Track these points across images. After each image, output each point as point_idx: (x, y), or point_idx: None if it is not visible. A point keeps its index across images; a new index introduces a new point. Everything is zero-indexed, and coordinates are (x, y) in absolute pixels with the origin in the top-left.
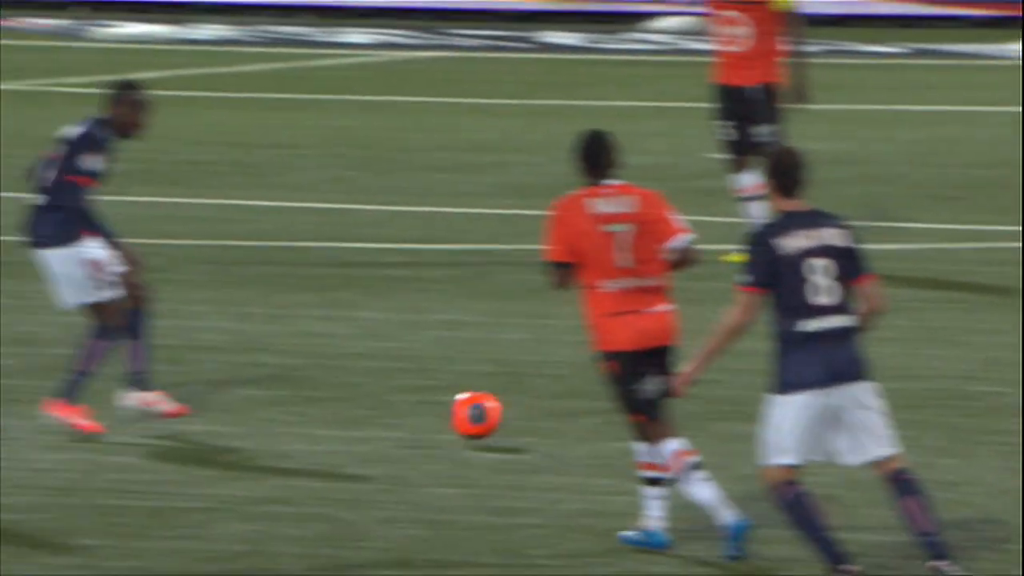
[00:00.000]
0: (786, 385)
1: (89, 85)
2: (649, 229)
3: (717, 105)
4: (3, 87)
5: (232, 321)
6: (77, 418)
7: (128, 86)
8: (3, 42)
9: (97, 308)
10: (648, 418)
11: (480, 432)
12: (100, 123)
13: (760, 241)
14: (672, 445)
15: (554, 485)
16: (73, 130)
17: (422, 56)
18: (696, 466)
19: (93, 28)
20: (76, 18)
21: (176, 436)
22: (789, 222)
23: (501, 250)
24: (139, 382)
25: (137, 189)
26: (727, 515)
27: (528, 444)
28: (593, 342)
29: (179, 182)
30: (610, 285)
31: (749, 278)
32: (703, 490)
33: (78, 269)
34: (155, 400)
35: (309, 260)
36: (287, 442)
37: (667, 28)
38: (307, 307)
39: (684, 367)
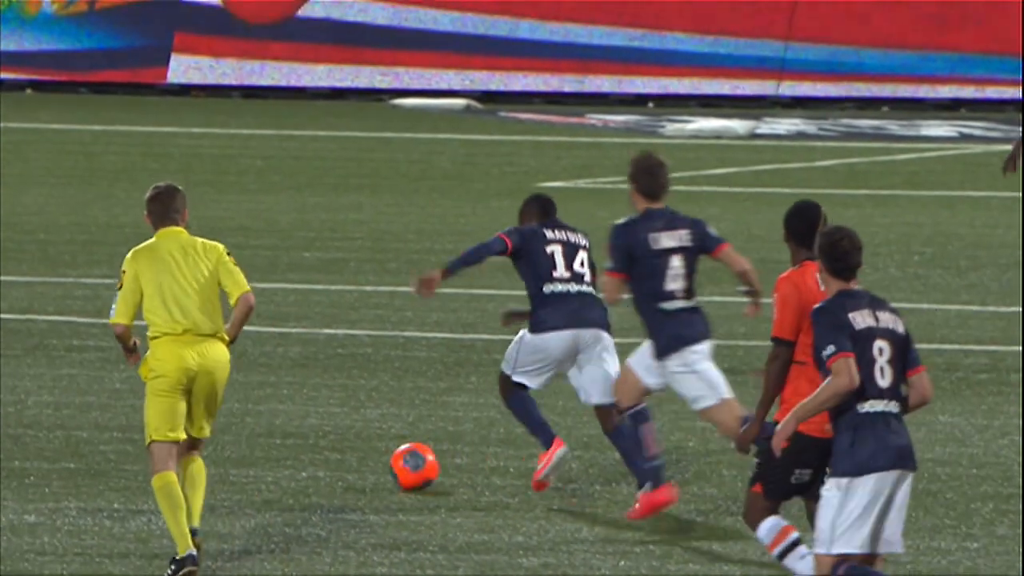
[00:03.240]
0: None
1: None
2: None
3: None
4: (576, 184)
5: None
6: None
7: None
8: (578, 139)
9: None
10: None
11: (418, 481)
12: None
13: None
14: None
15: None
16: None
17: (1004, 149)
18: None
19: (667, 124)
20: (650, 114)
21: (746, 541)
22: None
23: None
24: None
25: (708, 288)
26: None
27: None
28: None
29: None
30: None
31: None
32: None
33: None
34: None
35: None
36: None
37: None
38: None
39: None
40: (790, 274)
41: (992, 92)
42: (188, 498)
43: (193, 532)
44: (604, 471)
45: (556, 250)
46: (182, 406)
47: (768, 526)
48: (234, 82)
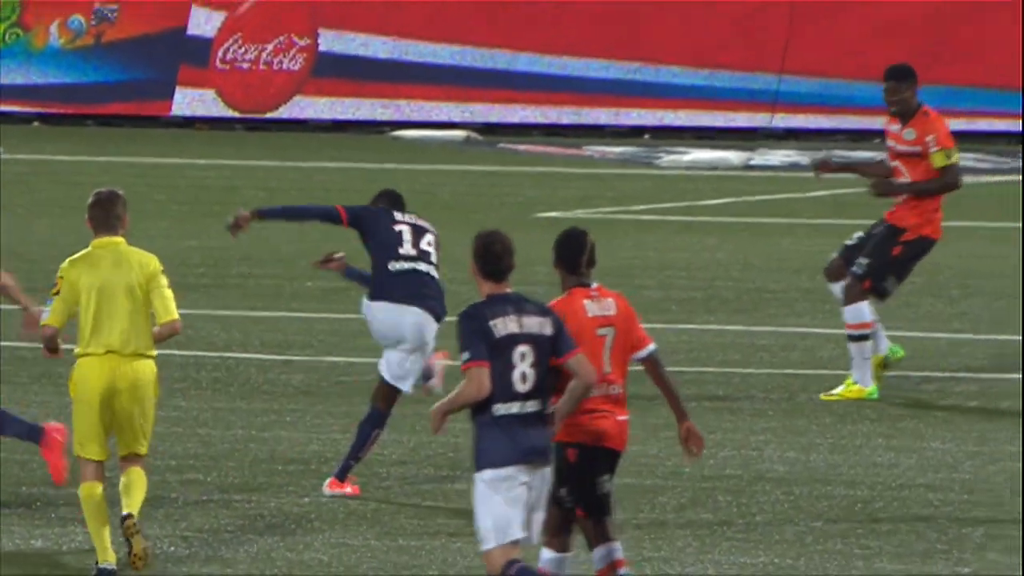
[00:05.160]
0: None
1: (655, 212)
2: (625, 334)
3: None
4: (575, 214)
5: (797, 451)
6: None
7: None
8: (576, 170)
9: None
10: (591, 515)
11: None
12: None
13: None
14: (606, 552)
15: None
16: None
17: (993, 180)
18: None
19: (663, 155)
20: (647, 146)
21: (741, 567)
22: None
23: None
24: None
25: (703, 316)
26: None
27: None
28: (562, 432)
29: (743, 310)
30: (594, 390)
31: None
32: None
33: None
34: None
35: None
36: None
37: None
38: (873, 437)
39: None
40: (558, 303)
41: (983, 124)
42: (128, 493)
43: (127, 516)
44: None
45: (404, 229)
46: (101, 427)
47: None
48: (237, 115)
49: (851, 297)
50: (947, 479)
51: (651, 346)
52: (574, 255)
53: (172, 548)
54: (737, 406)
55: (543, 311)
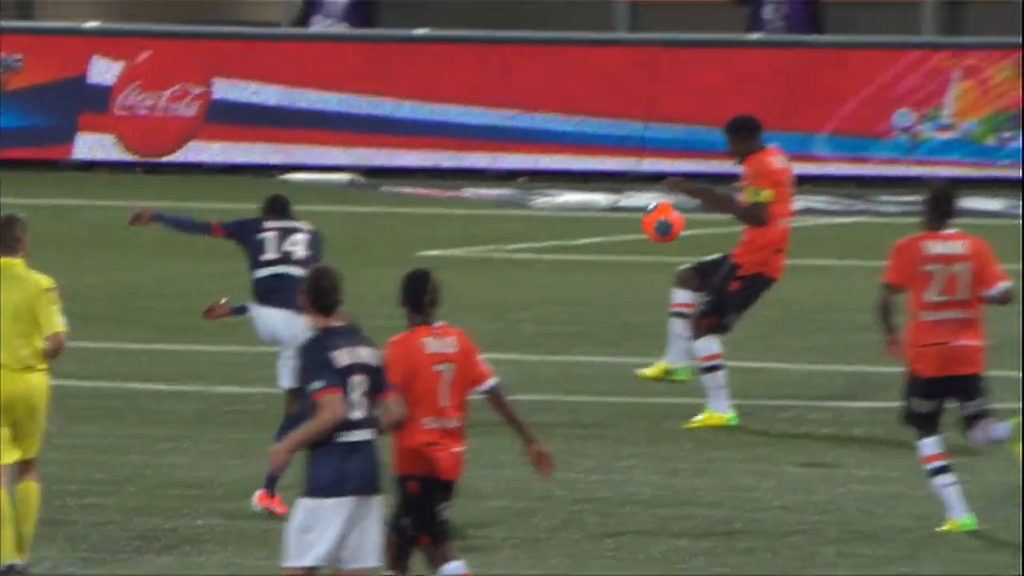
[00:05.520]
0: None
1: (529, 251)
2: (464, 370)
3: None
4: (453, 253)
5: (662, 475)
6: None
7: None
8: (455, 211)
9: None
10: (435, 541)
11: (668, 240)
12: None
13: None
14: (453, 568)
15: None
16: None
17: (842, 222)
18: None
19: (536, 197)
20: (522, 188)
21: None
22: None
23: None
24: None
25: (574, 349)
26: None
27: None
28: (402, 465)
29: (613, 343)
30: (430, 422)
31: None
32: None
33: None
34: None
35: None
36: None
37: None
38: (732, 462)
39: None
40: (400, 337)
41: (832, 169)
42: (20, 529)
43: (10, 567)
44: (476, 518)
45: (268, 236)
46: (3, 433)
47: None
48: (136, 158)
49: (697, 332)
50: (802, 501)
51: (492, 380)
52: (417, 295)
53: (72, 569)
54: (606, 433)
55: (371, 343)
